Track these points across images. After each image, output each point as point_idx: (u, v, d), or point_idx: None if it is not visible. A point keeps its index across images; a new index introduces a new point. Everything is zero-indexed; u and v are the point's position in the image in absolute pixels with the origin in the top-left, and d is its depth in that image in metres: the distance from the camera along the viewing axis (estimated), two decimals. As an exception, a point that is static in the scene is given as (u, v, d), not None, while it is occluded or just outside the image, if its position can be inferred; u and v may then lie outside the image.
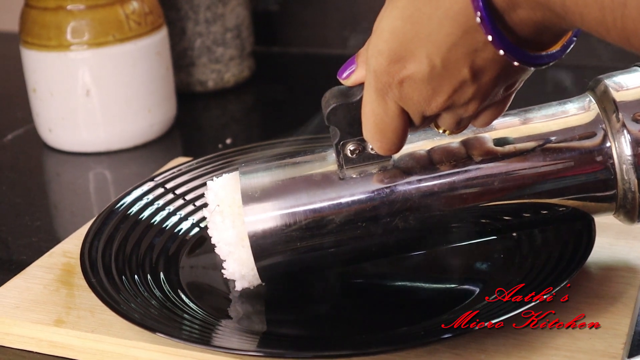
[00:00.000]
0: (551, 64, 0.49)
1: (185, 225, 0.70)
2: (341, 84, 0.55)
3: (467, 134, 0.58)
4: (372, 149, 0.56)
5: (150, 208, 0.70)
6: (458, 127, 0.54)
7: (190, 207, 0.71)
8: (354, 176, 0.57)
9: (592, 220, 0.61)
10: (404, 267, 0.64)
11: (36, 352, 0.60)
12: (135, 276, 0.63)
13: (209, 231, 0.60)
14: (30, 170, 0.95)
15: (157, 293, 0.61)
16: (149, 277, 0.63)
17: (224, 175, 0.61)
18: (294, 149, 0.75)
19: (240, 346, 0.55)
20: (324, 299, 0.62)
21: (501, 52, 0.46)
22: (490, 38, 0.45)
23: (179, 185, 0.72)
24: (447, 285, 0.63)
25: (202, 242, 0.69)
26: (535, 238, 0.63)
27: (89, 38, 0.90)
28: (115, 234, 0.66)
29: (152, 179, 0.72)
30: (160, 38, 0.95)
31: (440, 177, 0.57)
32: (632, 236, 0.66)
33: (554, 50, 0.48)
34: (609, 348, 0.54)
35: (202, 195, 0.72)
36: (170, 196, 0.71)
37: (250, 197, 0.58)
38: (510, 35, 0.46)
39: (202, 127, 1.04)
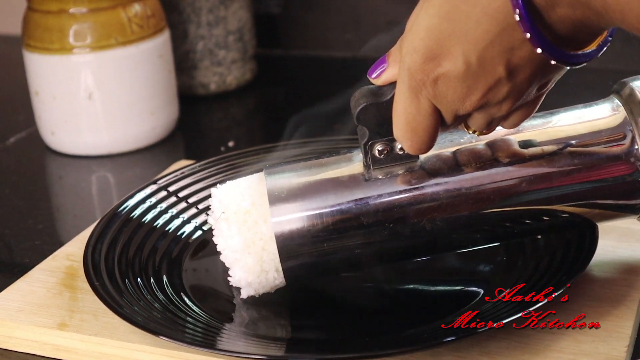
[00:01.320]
0: (586, 63, 0.49)
1: (188, 228, 0.70)
2: (371, 83, 0.55)
3: (493, 135, 0.58)
4: (400, 149, 0.56)
5: (153, 211, 0.70)
6: (488, 127, 0.54)
7: (193, 210, 0.71)
8: (381, 177, 0.57)
9: (596, 225, 0.61)
10: (406, 269, 0.64)
11: (39, 356, 0.60)
12: (139, 279, 0.63)
13: (214, 239, 0.60)
14: (32, 173, 0.95)
15: (160, 296, 0.61)
16: (152, 280, 0.63)
17: (228, 182, 0.61)
18: (296, 152, 0.75)
19: (244, 349, 0.55)
20: (327, 302, 0.62)
21: (539, 50, 0.46)
22: (528, 36, 0.45)
23: (182, 188, 0.72)
24: (450, 288, 0.63)
25: (205, 244, 0.69)
26: (538, 241, 0.63)
27: (91, 41, 0.90)
28: (118, 237, 0.66)
29: (154, 182, 0.72)
30: (162, 41, 0.95)
31: (467, 178, 0.57)
32: (635, 239, 0.66)
33: (590, 50, 0.48)
34: (612, 351, 0.54)
35: (204, 198, 0.72)
36: (173, 199, 0.71)
37: (276, 197, 0.58)
38: (548, 34, 0.46)
39: (205, 130, 1.04)
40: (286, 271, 0.58)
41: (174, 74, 0.98)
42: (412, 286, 0.63)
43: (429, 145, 0.53)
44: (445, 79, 0.49)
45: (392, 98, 0.53)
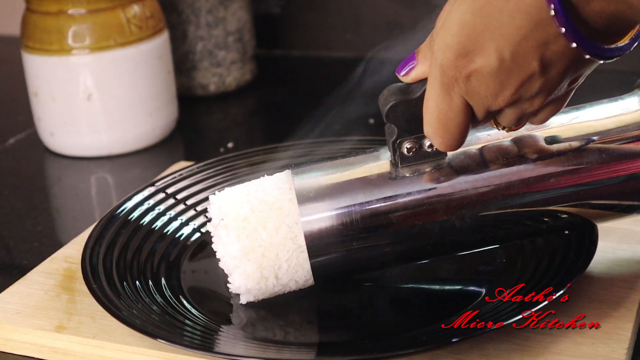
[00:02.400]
0: (619, 57, 0.49)
1: (186, 231, 0.70)
2: (399, 81, 0.55)
3: (520, 132, 0.58)
4: (429, 146, 0.56)
5: (151, 213, 0.70)
6: (518, 123, 0.54)
7: (192, 212, 0.71)
8: (409, 175, 0.57)
9: (595, 226, 0.61)
10: (405, 270, 0.64)
11: (37, 358, 0.60)
12: (137, 282, 0.62)
13: (213, 246, 0.60)
14: (31, 174, 0.95)
15: (159, 299, 0.61)
16: (150, 282, 0.63)
17: (225, 189, 0.61)
18: (298, 152, 0.75)
19: (242, 352, 0.55)
20: (327, 304, 0.62)
21: (574, 44, 0.46)
22: (563, 30, 0.45)
23: (180, 190, 0.72)
24: (450, 290, 0.63)
25: (203, 247, 0.68)
26: (538, 242, 0.63)
27: (90, 42, 0.90)
28: (117, 239, 0.66)
29: (152, 184, 0.72)
30: (161, 42, 0.95)
31: (495, 175, 0.57)
32: (635, 240, 0.66)
33: (623, 44, 0.48)
34: (612, 353, 0.54)
35: (203, 200, 0.72)
36: (171, 201, 0.71)
37: (305, 196, 0.57)
38: (582, 28, 0.46)
39: (204, 131, 1.04)
40: (315, 270, 0.58)
41: (173, 75, 0.98)
42: (411, 287, 0.63)
43: (460, 141, 0.53)
44: (478, 75, 0.49)
45: (421, 95, 0.53)
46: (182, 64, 1.08)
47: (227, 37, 1.09)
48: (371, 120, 0.95)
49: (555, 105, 0.53)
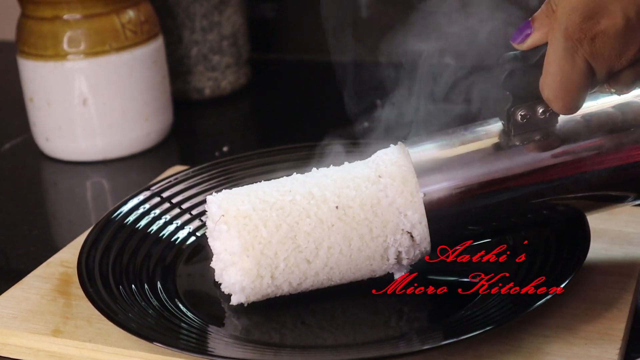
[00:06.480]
0: None
1: (181, 234, 0.70)
2: (514, 50, 0.56)
3: (625, 97, 0.58)
4: (541, 113, 0.57)
5: (146, 217, 0.70)
6: (632, 84, 0.55)
7: (187, 216, 0.71)
8: (523, 143, 0.58)
9: (587, 225, 0.61)
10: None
11: (34, 362, 0.60)
12: (133, 285, 0.63)
13: (210, 241, 0.60)
14: (27, 179, 0.95)
15: (154, 302, 0.61)
16: (146, 286, 0.63)
17: (224, 190, 0.62)
18: (295, 156, 0.75)
19: (237, 355, 0.55)
20: (320, 306, 0.62)
21: None
22: None
23: (175, 195, 0.73)
24: (443, 290, 0.63)
25: (198, 250, 0.69)
26: (530, 243, 0.64)
27: (85, 47, 0.90)
28: (112, 243, 0.66)
29: (148, 188, 0.72)
30: (156, 47, 0.95)
31: (606, 139, 0.57)
32: (627, 241, 0.66)
33: None
34: (604, 353, 0.55)
35: (198, 204, 0.72)
36: (166, 205, 0.72)
37: (422, 168, 0.59)
38: None
39: (199, 135, 1.04)
40: (434, 238, 0.59)
41: (168, 80, 0.98)
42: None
43: (581, 104, 0.55)
44: (603, 36, 0.51)
45: (537, 62, 0.55)
46: (177, 68, 1.08)
47: (221, 41, 1.09)
48: (365, 124, 0.95)
49: None
